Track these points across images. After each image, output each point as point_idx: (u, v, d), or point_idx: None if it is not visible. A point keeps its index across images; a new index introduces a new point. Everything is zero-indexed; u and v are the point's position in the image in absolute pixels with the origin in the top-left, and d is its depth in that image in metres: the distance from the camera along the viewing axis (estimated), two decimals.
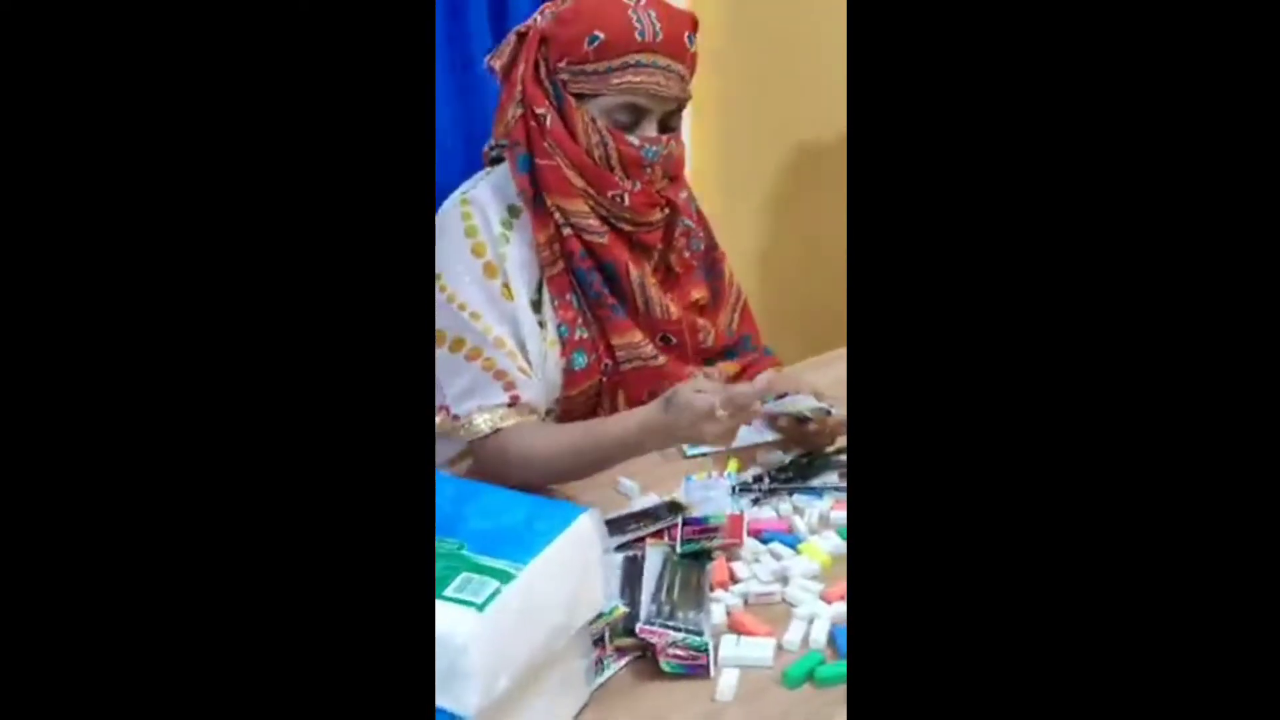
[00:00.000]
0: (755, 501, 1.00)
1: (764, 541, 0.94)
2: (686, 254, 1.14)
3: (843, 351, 1.48)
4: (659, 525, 0.97)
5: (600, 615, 0.82)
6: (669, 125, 1.05)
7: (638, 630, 0.80)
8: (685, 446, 1.13)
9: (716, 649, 0.79)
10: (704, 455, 1.13)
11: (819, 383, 1.38)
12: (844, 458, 1.07)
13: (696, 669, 0.78)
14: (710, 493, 1.01)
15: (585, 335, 1.08)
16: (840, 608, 0.83)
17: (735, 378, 1.16)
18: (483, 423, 1.03)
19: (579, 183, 1.03)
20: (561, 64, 1.02)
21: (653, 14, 1.00)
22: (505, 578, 0.65)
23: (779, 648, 0.80)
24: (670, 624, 0.82)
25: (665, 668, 0.78)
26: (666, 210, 1.09)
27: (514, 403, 1.04)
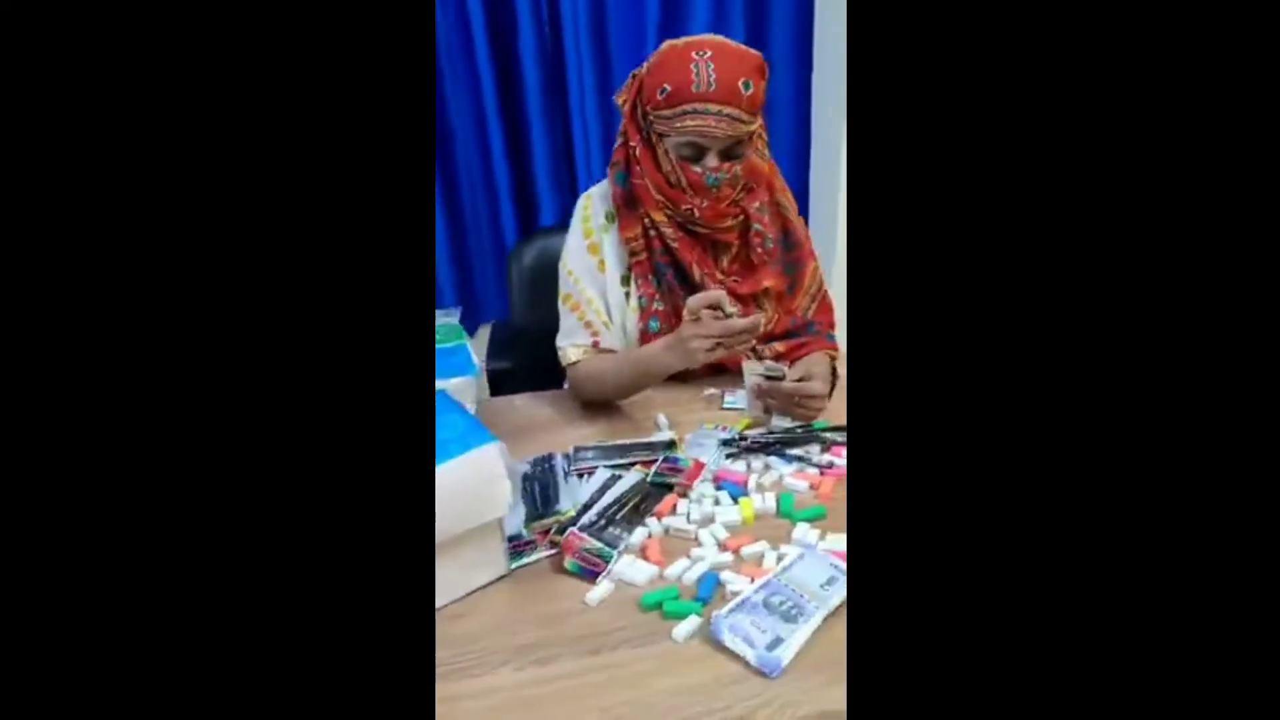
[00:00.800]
0: (729, 456, 1.11)
1: (719, 489, 1.06)
2: (760, 250, 1.34)
3: None
4: (650, 457, 1.13)
5: (557, 512, 1.03)
6: (732, 154, 1.24)
7: (566, 533, 0.99)
8: (725, 397, 1.29)
9: (614, 562, 0.95)
10: (737, 410, 1.26)
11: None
12: (829, 435, 1.16)
13: (589, 573, 0.95)
14: (705, 441, 1.15)
15: (661, 308, 1.33)
16: (726, 557, 0.94)
17: (779, 356, 1.35)
18: (571, 354, 1.35)
19: (660, 198, 1.28)
20: (648, 107, 1.25)
21: (711, 66, 1.18)
22: None
23: (659, 575, 0.94)
24: (598, 535, 0.99)
25: (567, 565, 0.96)
26: (740, 217, 1.30)
27: (595, 345, 1.34)
